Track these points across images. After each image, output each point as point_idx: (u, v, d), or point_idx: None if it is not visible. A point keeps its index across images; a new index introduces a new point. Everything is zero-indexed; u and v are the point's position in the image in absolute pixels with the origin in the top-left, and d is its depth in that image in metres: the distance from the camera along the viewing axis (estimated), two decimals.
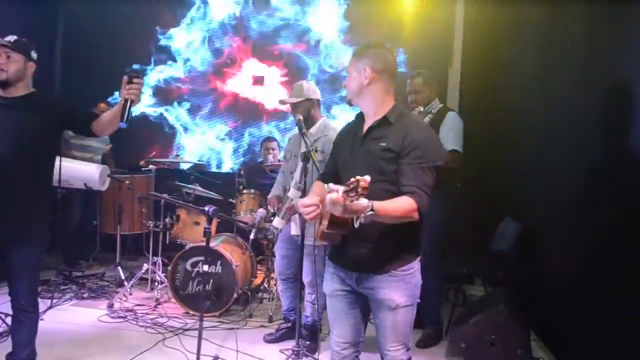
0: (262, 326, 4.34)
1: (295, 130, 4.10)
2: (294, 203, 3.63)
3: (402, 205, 2.16)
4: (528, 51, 4.61)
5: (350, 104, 2.53)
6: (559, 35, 3.97)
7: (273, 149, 5.43)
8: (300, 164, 3.76)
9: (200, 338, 3.17)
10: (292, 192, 3.59)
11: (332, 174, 2.55)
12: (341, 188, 1.97)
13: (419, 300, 2.43)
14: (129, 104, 2.61)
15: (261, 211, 3.88)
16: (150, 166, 5.02)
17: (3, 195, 2.83)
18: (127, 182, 5.30)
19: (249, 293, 4.79)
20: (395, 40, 5.89)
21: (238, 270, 4.44)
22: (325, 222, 2.22)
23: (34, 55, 2.99)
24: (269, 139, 5.62)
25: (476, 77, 5.55)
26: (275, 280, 4.80)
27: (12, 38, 2.92)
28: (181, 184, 5.28)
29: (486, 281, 4.83)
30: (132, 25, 6.51)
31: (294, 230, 3.76)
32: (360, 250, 2.33)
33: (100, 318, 4.36)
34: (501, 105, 5.11)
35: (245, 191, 5.00)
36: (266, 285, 5.00)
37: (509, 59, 5.12)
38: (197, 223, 5.02)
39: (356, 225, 2.06)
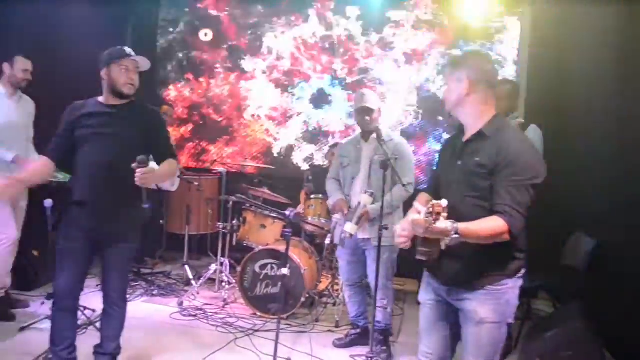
0: (329, 331, 4.37)
1: (348, 137, 4.16)
2: (368, 209, 3.67)
3: (490, 226, 2.12)
4: (602, 56, 4.49)
5: (450, 115, 2.50)
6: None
7: None
8: (363, 170, 3.82)
9: (277, 341, 3.20)
10: (365, 198, 3.62)
11: (436, 186, 2.54)
12: (423, 210, 2.00)
13: (511, 321, 2.36)
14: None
15: (337, 216, 3.91)
16: (221, 168, 5.11)
17: (107, 193, 2.97)
18: (196, 183, 5.42)
19: (315, 297, 4.82)
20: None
21: (306, 274, 4.49)
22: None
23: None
24: (336, 144, 5.64)
25: (543, 85, 5.47)
26: (339, 286, 4.85)
27: (134, 53, 3.07)
28: (249, 186, 5.35)
29: (555, 296, 4.73)
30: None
31: (361, 234, 3.77)
32: (453, 266, 2.31)
33: (172, 315, 4.47)
34: (571, 113, 5.01)
35: (313, 196, 5.04)
36: (330, 290, 5.03)
37: (578, 65, 5.01)
38: (264, 226, 5.09)
39: (442, 247, 2.07)
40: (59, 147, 3.05)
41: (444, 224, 1.97)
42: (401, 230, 2.28)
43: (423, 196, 2.57)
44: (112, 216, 3.01)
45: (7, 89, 4.11)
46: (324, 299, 5.01)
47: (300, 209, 5.20)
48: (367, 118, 3.82)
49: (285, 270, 3.24)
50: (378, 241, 3.44)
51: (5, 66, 4.08)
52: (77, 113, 3.04)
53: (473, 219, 2.11)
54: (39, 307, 4.30)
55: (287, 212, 3.21)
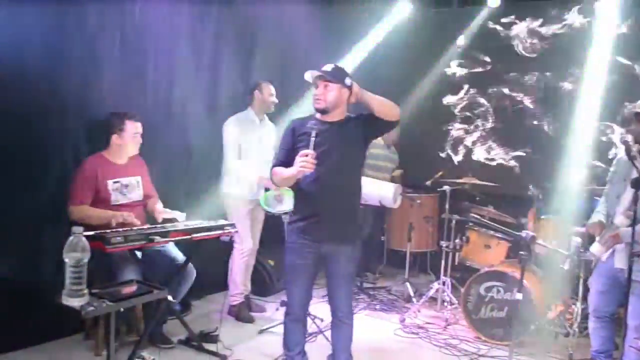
0: None
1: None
2: (619, 231, 3.28)
3: None
4: None
5: None
6: None
7: None
8: (628, 190, 3.36)
9: None
10: (619, 220, 3.23)
11: None
12: None
13: None
14: None
15: (577, 240, 3.58)
16: (445, 187, 5.03)
17: (328, 209, 3.06)
18: (418, 201, 5.42)
19: (545, 326, 4.47)
20: None
21: (536, 300, 4.19)
22: None
23: (347, 81, 3.06)
24: None
25: None
26: (572, 315, 4.42)
27: (329, 67, 3.07)
28: (472, 204, 5.19)
29: None
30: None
31: (619, 263, 3.37)
32: None
33: (395, 331, 4.50)
34: None
35: (543, 216, 4.70)
36: (562, 319, 4.61)
37: None
38: (488, 246, 4.89)
39: None
40: (282, 163, 3.17)
41: None
42: None
43: None
44: (335, 231, 3.10)
45: (257, 115, 4.51)
46: (554, 328, 4.61)
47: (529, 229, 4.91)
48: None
49: (518, 295, 3.05)
50: (628, 270, 3.04)
51: (256, 93, 4.49)
52: (297, 132, 3.15)
53: None
54: (274, 312, 4.64)
55: (523, 234, 3.03)
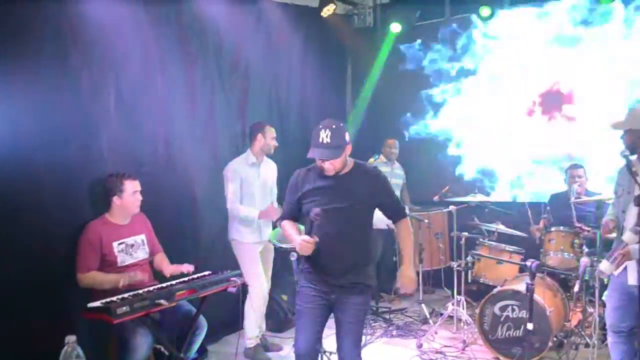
0: None
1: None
2: (629, 248, 3.22)
3: None
4: None
5: None
6: None
7: (579, 177, 4.93)
8: (632, 206, 3.30)
9: None
10: (628, 236, 3.17)
11: None
12: None
13: None
14: None
15: (585, 260, 3.53)
16: (451, 207, 5.02)
17: (337, 259, 3.04)
18: (426, 221, 5.40)
19: (564, 340, 4.41)
20: None
21: (552, 316, 4.15)
22: None
23: (347, 138, 3.01)
24: (575, 165, 5.11)
25: None
26: (591, 325, 4.36)
27: (327, 137, 2.92)
28: (480, 222, 5.14)
29: None
30: None
31: (632, 279, 3.30)
32: None
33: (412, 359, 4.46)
34: None
35: (553, 229, 4.65)
36: (581, 330, 4.55)
37: None
38: (500, 262, 4.84)
39: None
40: (289, 214, 3.26)
41: None
42: None
43: None
44: (343, 280, 3.05)
45: (257, 157, 4.50)
46: (574, 338, 4.54)
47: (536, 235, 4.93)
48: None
49: (529, 326, 3.03)
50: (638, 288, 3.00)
51: (259, 136, 4.47)
52: (301, 186, 3.13)
53: None
54: (291, 349, 4.62)
55: (527, 263, 3.00)
